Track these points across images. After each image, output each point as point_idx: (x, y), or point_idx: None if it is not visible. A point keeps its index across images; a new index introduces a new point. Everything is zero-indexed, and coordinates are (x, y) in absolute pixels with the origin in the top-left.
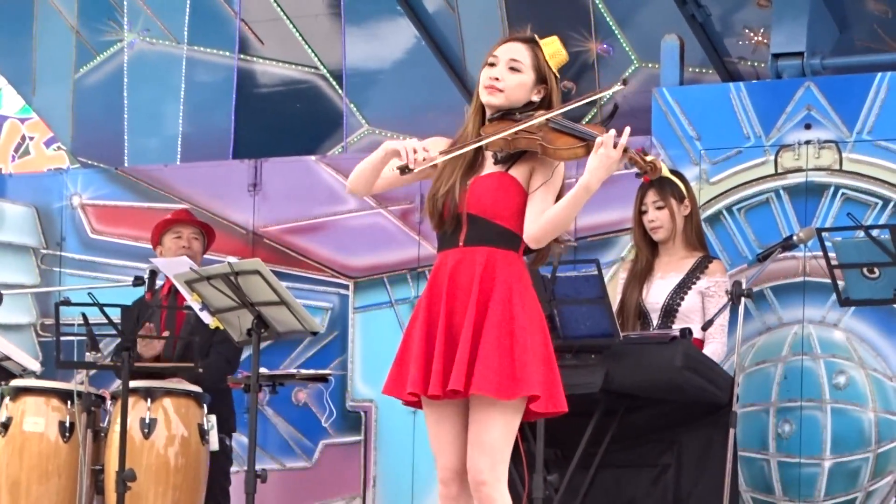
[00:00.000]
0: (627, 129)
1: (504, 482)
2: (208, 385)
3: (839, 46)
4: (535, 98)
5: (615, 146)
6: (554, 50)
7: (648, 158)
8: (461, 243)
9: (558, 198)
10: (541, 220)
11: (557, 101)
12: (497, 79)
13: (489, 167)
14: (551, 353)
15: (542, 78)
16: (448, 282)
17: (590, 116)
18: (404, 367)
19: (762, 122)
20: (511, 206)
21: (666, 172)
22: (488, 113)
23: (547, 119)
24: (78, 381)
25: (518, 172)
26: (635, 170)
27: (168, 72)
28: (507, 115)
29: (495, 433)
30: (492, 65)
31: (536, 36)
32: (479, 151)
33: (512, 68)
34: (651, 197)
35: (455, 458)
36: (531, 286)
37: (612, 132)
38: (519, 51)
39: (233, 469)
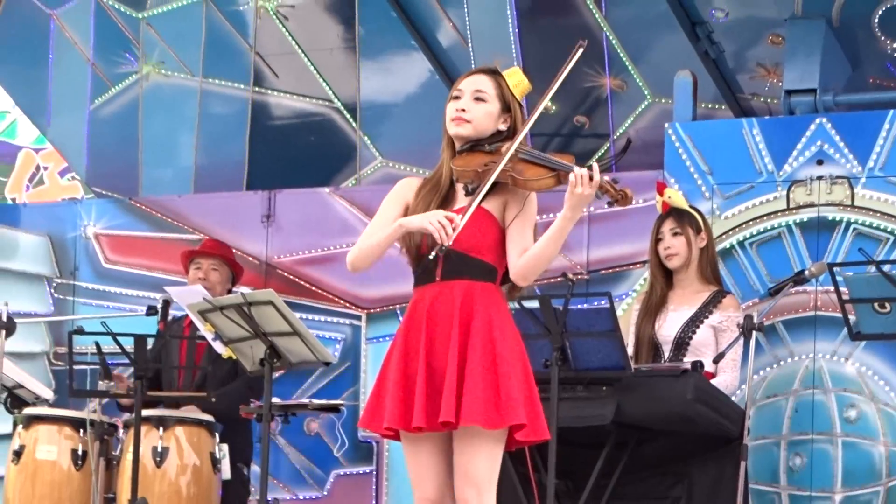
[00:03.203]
0: (595, 166)
1: None
2: (228, 409)
3: (851, 83)
4: (502, 127)
5: (590, 179)
6: (517, 80)
7: (619, 187)
8: (438, 278)
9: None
10: (525, 258)
11: (521, 127)
12: (463, 110)
13: (461, 200)
14: (532, 382)
15: (507, 107)
16: (427, 317)
17: (603, 150)
18: (381, 401)
19: (774, 158)
20: (487, 240)
21: (684, 205)
22: (457, 145)
23: (517, 150)
24: (91, 410)
25: (491, 206)
26: (607, 198)
27: (182, 103)
28: (475, 146)
29: (481, 464)
30: (456, 97)
31: (499, 67)
32: (453, 185)
33: (477, 98)
34: (668, 224)
35: (433, 488)
36: (510, 316)
37: (584, 170)
38: (483, 82)
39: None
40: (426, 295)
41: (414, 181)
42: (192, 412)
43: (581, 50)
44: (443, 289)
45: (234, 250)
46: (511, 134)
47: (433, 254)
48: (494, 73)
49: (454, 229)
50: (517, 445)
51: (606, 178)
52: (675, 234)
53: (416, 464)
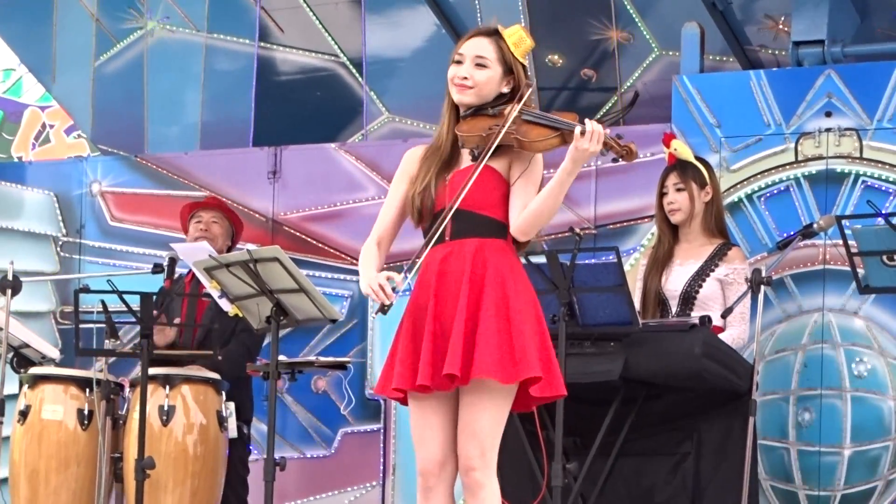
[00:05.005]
0: (594, 123)
1: (493, 468)
2: (227, 373)
3: (860, 34)
4: (505, 90)
5: (590, 135)
6: (517, 38)
7: (623, 142)
8: (448, 237)
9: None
10: (525, 213)
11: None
12: (465, 77)
13: (466, 162)
14: (547, 338)
15: (509, 69)
16: (437, 276)
17: (610, 104)
18: (393, 366)
19: (782, 110)
20: (495, 197)
21: (690, 157)
22: (461, 110)
23: (520, 112)
24: (97, 369)
25: (497, 164)
26: (612, 154)
27: (188, 59)
28: (479, 110)
29: (486, 419)
30: (458, 62)
31: (500, 27)
32: (455, 148)
33: (478, 64)
34: (672, 179)
35: (437, 449)
36: (523, 271)
37: (593, 125)
38: (483, 46)
39: (251, 457)
40: (437, 255)
41: (418, 150)
42: (195, 370)
43: (529, 90)
44: (453, 248)
45: (240, 207)
46: (515, 95)
47: (373, 315)
48: (495, 35)
49: (394, 288)
50: (535, 403)
51: (609, 132)
52: (679, 189)
53: (422, 424)
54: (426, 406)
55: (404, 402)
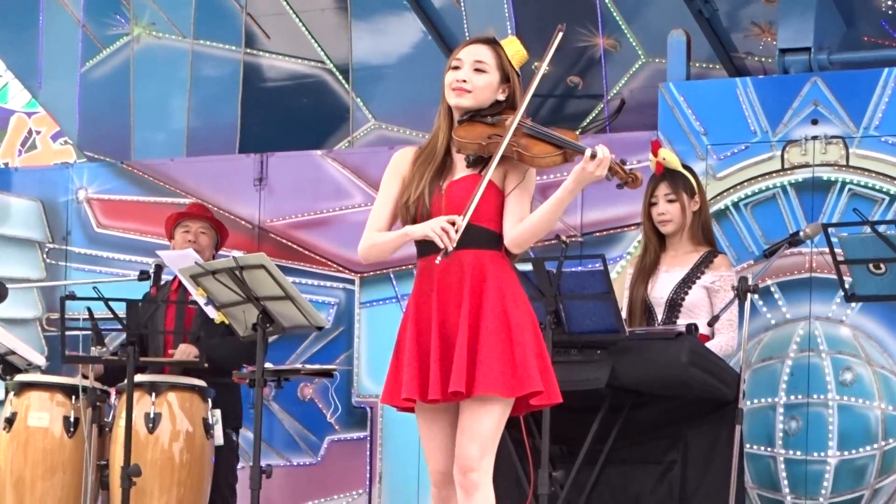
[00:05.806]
0: (605, 149)
1: (490, 474)
2: (223, 356)
3: (846, 42)
4: (501, 97)
5: (599, 162)
6: (514, 49)
7: (628, 168)
8: None
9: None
10: (521, 227)
11: (521, 99)
12: (464, 80)
13: (461, 170)
14: (543, 346)
15: (506, 77)
16: (437, 286)
17: (597, 111)
18: (399, 376)
19: (769, 118)
20: (491, 208)
21: (678, 166)
22: (456, 115)
23: (521, 124)
24: (83, 376)
25: (493, 175)
26: (616, 180)
27: (174, 66)
28: (475, 116)
29: (488, 422)
30: (456, 68)
31: (496, 37)
32: (448, 154)
33: (477, 69)
34: (663, 189)
35: (447, 460)
36: (519, 283)
37: (605, 151)
38: (482, 52)
39: (238, 465)
40: (435, 267)
41: (408, 152)
42: (180, 377)
43: (561, 34)
44: (451, 259)
45: (226, 214)
46: (510, 104)
47: (438, 259)
48: (493, 44)
49: (457, 231)
50: (531, 409)
51: (615, 158)
52: (670, 200)
53: (429, 437)
54: (434, 419)
55: (412, 410)
